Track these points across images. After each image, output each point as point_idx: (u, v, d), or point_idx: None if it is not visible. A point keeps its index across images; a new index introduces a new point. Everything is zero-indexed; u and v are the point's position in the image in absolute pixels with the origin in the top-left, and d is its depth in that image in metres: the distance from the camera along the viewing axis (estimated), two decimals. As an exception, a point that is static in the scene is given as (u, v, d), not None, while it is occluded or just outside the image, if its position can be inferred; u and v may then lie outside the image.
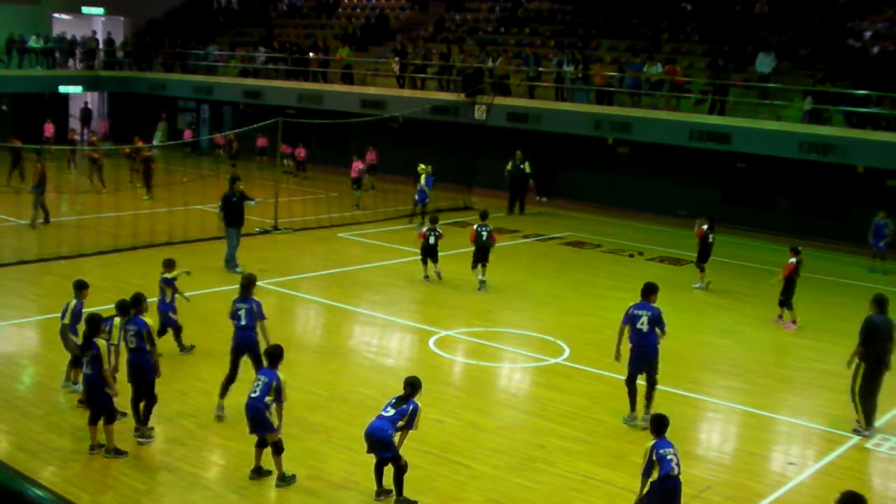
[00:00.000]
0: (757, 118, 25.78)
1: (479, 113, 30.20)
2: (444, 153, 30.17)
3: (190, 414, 11.46)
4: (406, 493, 9.73)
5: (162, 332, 12.94)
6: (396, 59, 33.66)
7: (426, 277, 19.25)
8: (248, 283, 11.60)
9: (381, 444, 9.17)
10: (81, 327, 11.52)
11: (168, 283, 13.34)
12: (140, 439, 10.57)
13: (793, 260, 16.98)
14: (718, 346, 16.19)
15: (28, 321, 15.29)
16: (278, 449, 9.73)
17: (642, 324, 11.49)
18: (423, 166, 25.19)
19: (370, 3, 41.45)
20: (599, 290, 19.48)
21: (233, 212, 18.77)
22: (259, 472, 9.88)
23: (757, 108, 26.08)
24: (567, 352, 14.93)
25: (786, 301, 17.10)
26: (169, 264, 13.40)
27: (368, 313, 16.97)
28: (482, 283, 18.72)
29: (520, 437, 11.54)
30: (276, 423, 9.72)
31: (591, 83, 28.96)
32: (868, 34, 27.12)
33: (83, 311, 11.73)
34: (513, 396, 13.52)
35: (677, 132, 26.64)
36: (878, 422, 12.57)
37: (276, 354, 9.92)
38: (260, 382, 9.65)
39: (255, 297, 11.63)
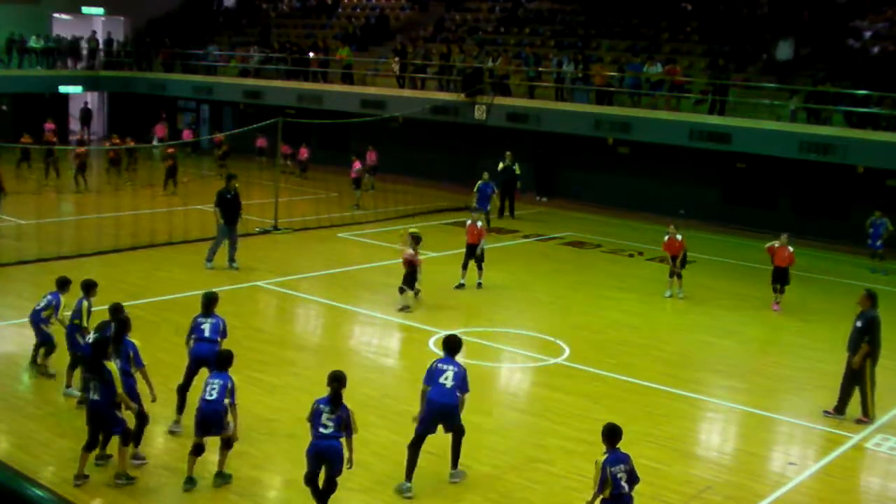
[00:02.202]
0: (757, 118, 25.79)
1: (479, 113, 30.19)
2: (444, 153, 30.16)
3: (190, 414, 11.41)
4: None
5: (44, 349, 12.59)
6: (396, 59, 33.65)
7: (479, 285, 18.78)
8: (209, 302, 11.13)
9: (339, 459, 8.94)
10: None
11: (57, 303, 12.31)
12: (134, 461, 10.00)
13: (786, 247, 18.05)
14: (718, 346, 16.19)
15: (28, 321, 15.24)
16: (230, 444, 9.75)
17: (445, 378, 9.79)
18: (486, 175, 24.74)
19: (370, 3, 41.47)
20: (599, 290, 19.49)
21: (227, 208, 18.74)
22: (222, 477, 9.80)
23: (757, 108, 26.08)
24: (567, 352, 14.92)
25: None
26: (64, 284, 12.36)
27: (368, 313, 16.97)
28: (477, 284, 18.83)
29: (520, 437, 11.54)
30: (231, 424, 9.69)
31: (591, 83, 28.95)
32: (868, 34, 27.13)
33: (92, 310, 11.70)
34: (513, 396, 13.52)
35: (677, 132, 26.64)
36: (878, 421, 12.60)
37: (227, 359, 9.88)
38: (216, 385, 9.58)
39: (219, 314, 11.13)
